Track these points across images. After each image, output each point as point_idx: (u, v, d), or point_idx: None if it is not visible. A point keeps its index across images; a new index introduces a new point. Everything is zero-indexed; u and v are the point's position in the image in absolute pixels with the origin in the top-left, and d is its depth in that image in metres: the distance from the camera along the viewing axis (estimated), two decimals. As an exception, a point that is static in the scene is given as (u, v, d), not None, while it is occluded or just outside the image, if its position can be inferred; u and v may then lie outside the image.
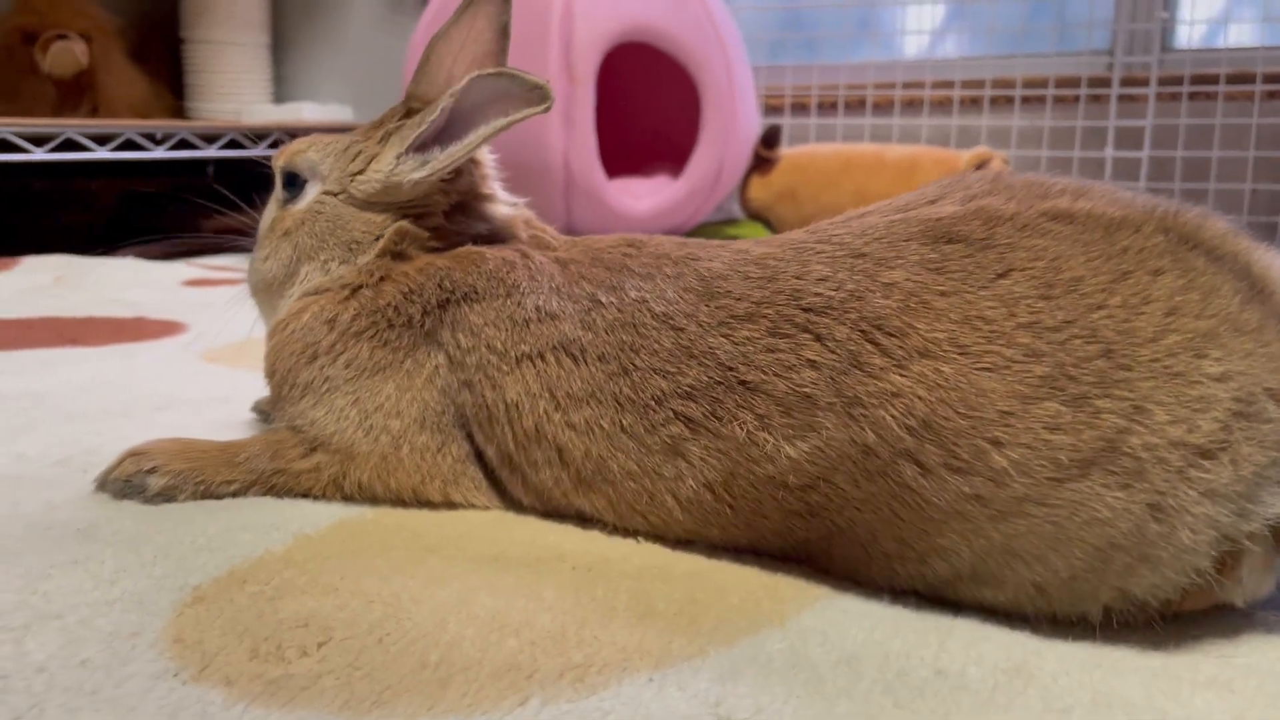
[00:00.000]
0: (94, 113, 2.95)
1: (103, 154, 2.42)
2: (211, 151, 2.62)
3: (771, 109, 3.41)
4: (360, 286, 0.84)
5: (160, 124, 2.60)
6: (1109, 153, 2.91)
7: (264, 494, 0.81)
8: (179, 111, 3.24)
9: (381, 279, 0.84)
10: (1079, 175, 2.92)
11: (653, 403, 0.70)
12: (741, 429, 0.66)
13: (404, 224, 0.86)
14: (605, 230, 2.77)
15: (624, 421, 0.71)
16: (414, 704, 0.52)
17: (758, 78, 3.27)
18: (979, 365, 0.59)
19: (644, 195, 2.85)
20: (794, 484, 0.65)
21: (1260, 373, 0.58)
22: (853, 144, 3.20)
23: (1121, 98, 2.90)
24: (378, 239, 0.86)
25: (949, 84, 3.18)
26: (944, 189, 0.72)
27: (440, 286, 0.82)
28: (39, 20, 2.87)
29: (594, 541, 0.73)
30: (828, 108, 3.32)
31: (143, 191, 3.06)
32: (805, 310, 0.66)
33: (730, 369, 0.67)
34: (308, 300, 0.86)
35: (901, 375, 0.61)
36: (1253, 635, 0.61)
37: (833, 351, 0.64)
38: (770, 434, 0.65)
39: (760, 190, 3.15)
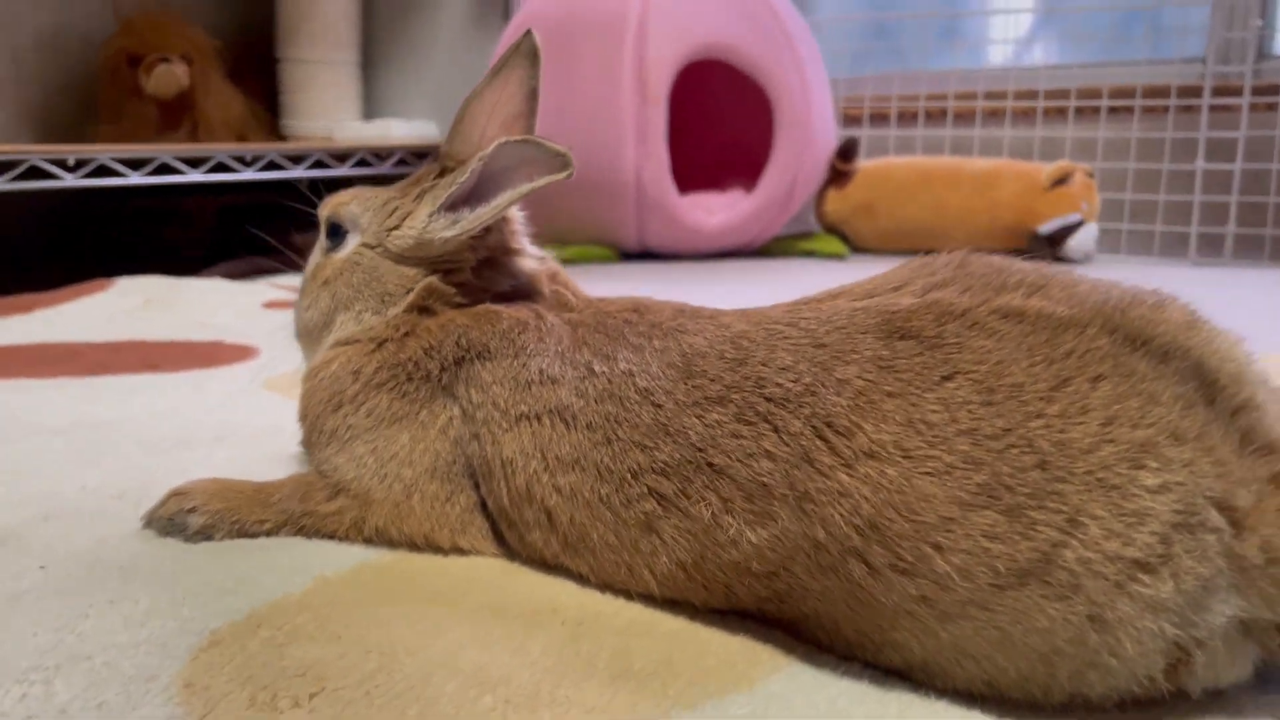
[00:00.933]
0: (194, 131, 3.10)
1: (195, 176, 2.54)
2: (298, 172, 2.72)
3: (850, 120, 3.39)
4: (386, 340, 0.89)
5: (249, 147, 2.71)
6: (1199, 165, 2.83)
7: (294, 534, 0.87)
8: (274, 128, 3.37)
9: (406, 334, 0.89)
10: (1169, 189, 2.86)
11: (630, 476, 0.72)
12: (708, 510, 0.69)
13: (433, 280, 0.90)
14: (679, 245, 2.82)
15: (603, 491, 0.74)
16: (386, 760, 0.56)
17: (836, 89, 3.27)
18: (922, 470, 0.60)
19: (716, 210, 2.87)
20: (758, 570, 0.67)
21: (1202, 482, 0.57)
22: (931, 157, 3.17)
23: (1213, 108, 2.82)
24: (408, 292, 0.91)
25: (1033, 94, 3.12)
26: (912, 273, 0.74)
27: (458, 344, 0.86)
28: (142, 44, 3.02)
29: (588, 595, 0.76)
30: (907, 118, 3.30)
31: (241, 206, 3.21)
32: (767, 400, 0.68)
33: (700, 450, 0.70)
34: (338, 350, 0.91)
35: (849, 475, 0.62)
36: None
37: (787, 445, 0.66)
38: (734, 518, 0.67)
39: (837, 203, 3.14)
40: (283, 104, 3.35)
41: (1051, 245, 2.78)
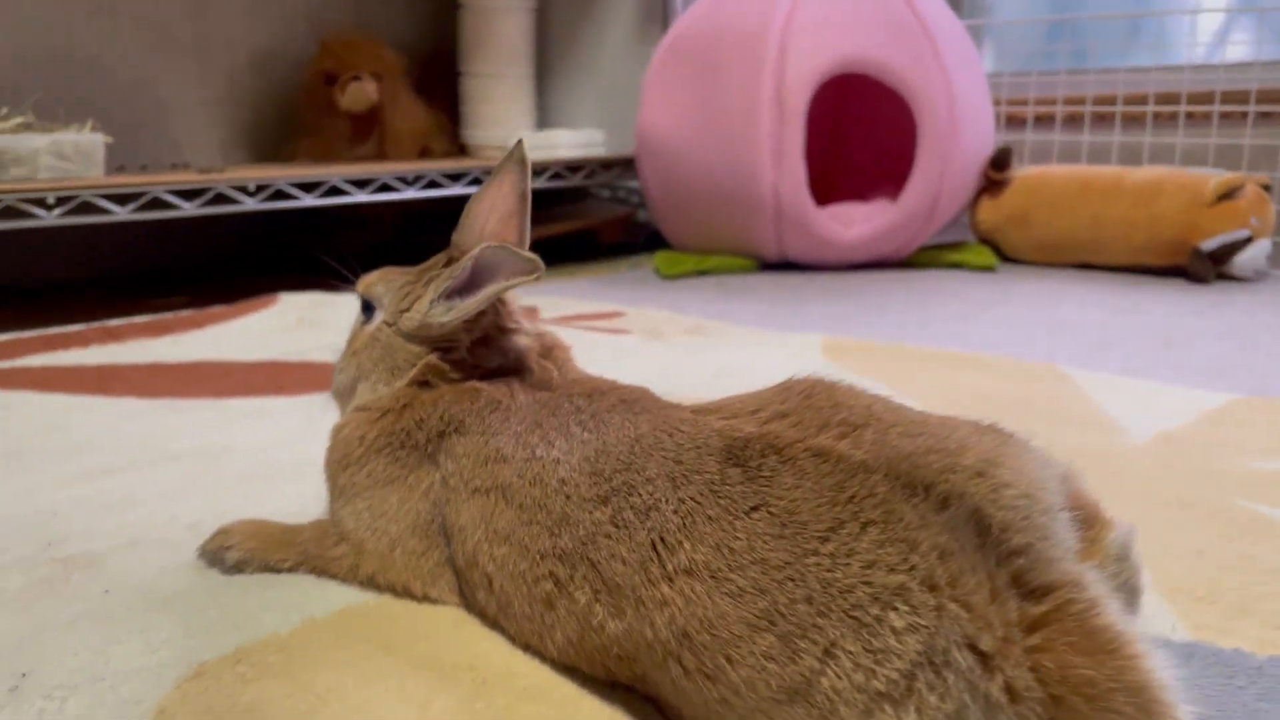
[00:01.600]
0: (381, 142, 3.39)
1: (361, 197, 2.79)
2: (457, 189, 2.93)
3: (1013, 122, 3.30)
4: (389, 410, 1.03)
5: (411, 166, 2.93)
6: (1397, 175, 2.60)
7: (309, 573, 1.03)
8: (455, 138, 3.62)
9: (405, 406, 1.02)
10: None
11: (539, 556, 0.83)
12: (584, 597, 0.79)
13: (432, 359, 1.04)
14: (816, 257, 2.86)
15: (521, 567, 0.85)
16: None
17: (999, 89, 3.19)
18: (722, 590, 0.69)
19: (855, 223, 2.89)
20: (619, 654, 0.77)
21: (949, 625, 0.62)
22: (1092, 166, 3.06)
23: None
24: (412, 368, 1.05)
25: (1208, 96, 2.95)
26: (772, 397, 0.81)
27: (441, 418, 0.99)
28: (338, 63, 3.32)
29: (512, 655, 0.87)
30: (1073, 122, 3.18)
31: (418, 210, 3.48)
32: (631, 508, 0.77)
33: (584, 544, 0.80)
34: (354, 415, 1.06)
35: (669, 587, 0.72)
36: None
37: (635, 552, 0.75)
38: (600, 608, 0.78)
39: (990, 213, 3.09)
40: (464, 114, 3.59)
41: (1215, 262, 2.63)
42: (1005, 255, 3.02)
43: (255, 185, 2.54)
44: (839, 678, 0.65)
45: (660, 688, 0.75)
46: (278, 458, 1.39)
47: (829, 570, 0.66)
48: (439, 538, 0.98)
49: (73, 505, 1.22)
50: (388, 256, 3.10)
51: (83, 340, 2.04)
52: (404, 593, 0.98)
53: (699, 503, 0.74)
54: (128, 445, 1.44)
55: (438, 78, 3.63)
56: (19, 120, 2.52)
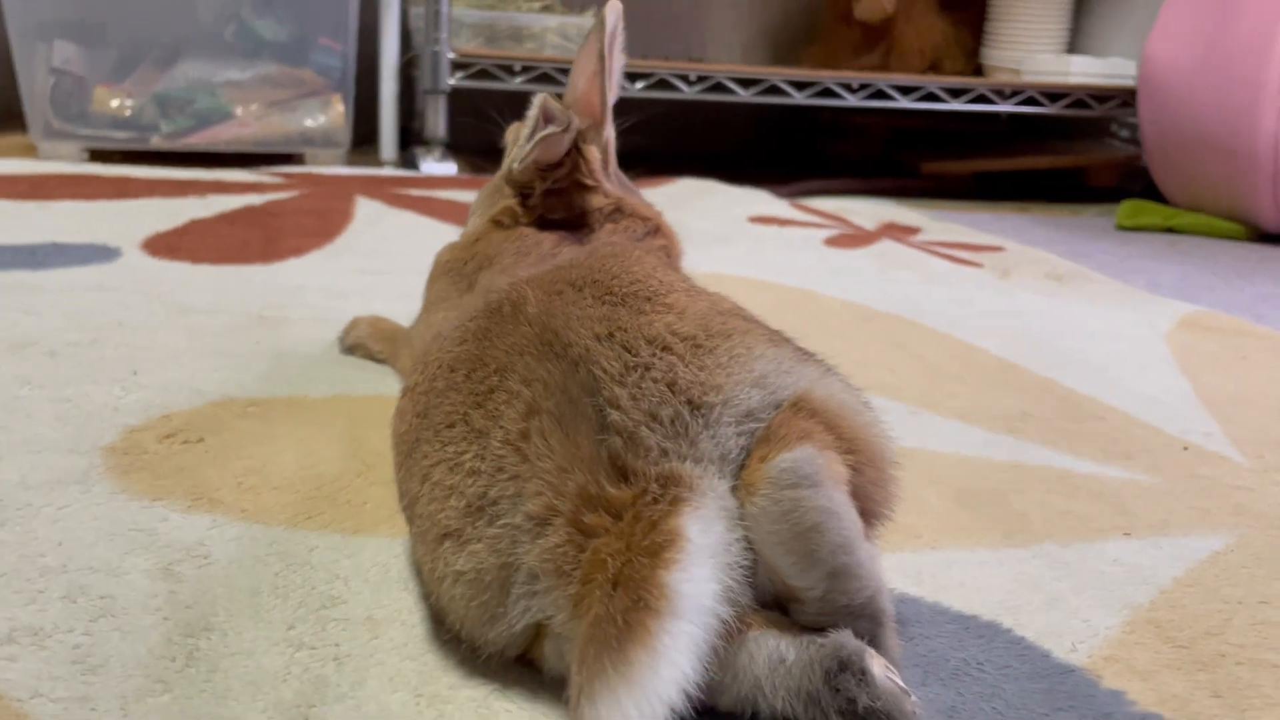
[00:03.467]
0: (886, 55, 3.37)
1: (851, 101, 2.83)
2: (955, 105, 2.85)
3: None
4: (465, 243, 1.16)
5: (908, 77, 2.90)
6: None
7: (391, 365, 1.21)
8: (973, 58, 3.46)
9: (476, 239, 1.14)
10: None
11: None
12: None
13: (511, 203, 1.14)
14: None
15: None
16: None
17: None
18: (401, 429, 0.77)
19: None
20: None
21: (505, 482, 0.64)
22: None
23: None
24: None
25: None
26: (583, 257, 0.80)
27: (486, 253, 1.10)
28: (860, -31, 3.34)
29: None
30: None
31: (908, 130, 3.41)
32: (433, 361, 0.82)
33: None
34: (449, 241, 1.20)
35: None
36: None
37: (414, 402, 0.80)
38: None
39: None
40: (985, 33, 3.42)
41: None
42: None
43: (748, 78, 2.71)
44: (428, 503, 0.68)
45: None
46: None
47: (449, 407, 0.69)
48: None
49: (322, 286, 1.52)
50: (873, 169, 3.13)
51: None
52: (411, 382, 1.12)
53: (443, 348, 0.77)
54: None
55: (974, -9, 3.48)
56: (542, 4, 2.95)
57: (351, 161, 2.66)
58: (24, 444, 0.93)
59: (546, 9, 2.95)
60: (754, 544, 0.63)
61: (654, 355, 0.65)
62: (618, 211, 1.13)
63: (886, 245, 2.11)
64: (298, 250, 1.67)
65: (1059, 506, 0.98)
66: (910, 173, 3.14)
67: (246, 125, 2.58)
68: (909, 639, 0.75)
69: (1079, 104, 2.93)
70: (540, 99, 1.05)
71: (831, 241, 2.10)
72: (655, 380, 0.63)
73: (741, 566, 0.63)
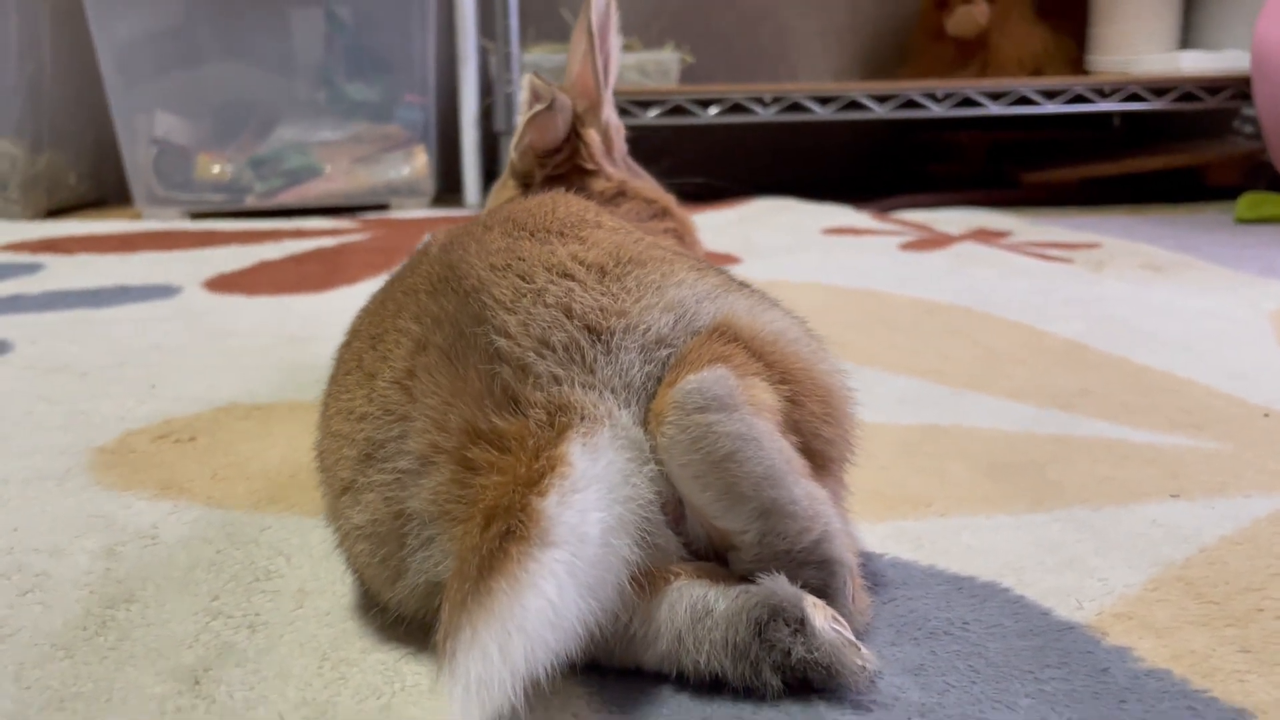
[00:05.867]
0: (983, 69, 3.26)
1: (936, 111, 2.72)
2: (1050, 108, 2.71)
3: None
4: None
5: (1050, 81, 2.78)
6: None
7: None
8: (1078, 65, 3.31)
9: (481, 229, 1.12)
10: None
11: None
12: None
13: (513, 193, 1.11)
14: None
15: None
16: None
17: None
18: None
19: None
20: None
21: (388, 423, 0.59)
22: None
23: None
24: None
25: None
26: (529, 199, 0.75)
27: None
28: (951, -13, 3.25)
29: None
30: None
31: (1009, 143, 3.27)
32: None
33: None
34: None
35: None
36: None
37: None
38: None
39: None
40: (1089, 37, 3.27)
41: None
42: None
43: (828, 95, 2.64)
44: (328, 456, 0.65)
45: None
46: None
47: (348, 355, 0.66)
48: None
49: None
50: (971, 184, 3.01)
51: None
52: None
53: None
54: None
55: (1067, -2, 3.34)
56: (623, 42, 2.96)
57: (437, 208, 2.70)
58: (21, 449, 0.94)
59: (627, 48, 2.97)
60: (672, 481, 0.57)
61: (549, 281, 0.60)
62: (620, 195, 1.09)
63: (967, 247, 2.00)
64: (351, 280, 1.69)
65: (1101, 474, 0.87)
66: (1011, 185, 3.00)
67: (334, 180, 2.65)
68: (888, 600, 0.66)
69: (1189, 97, 2.75)
70: (528, 78, 1.02)
71: (908, 246, 2.01)
72: (548, 305, 0.59)
73: (657, 505, 0.57)
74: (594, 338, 0.58)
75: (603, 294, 0.60)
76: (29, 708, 0.55)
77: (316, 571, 0.71)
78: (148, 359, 1.24)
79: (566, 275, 0.60)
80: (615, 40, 1.10)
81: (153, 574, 0.70)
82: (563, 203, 0.72)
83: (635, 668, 0.58)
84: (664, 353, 0.59)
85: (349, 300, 1.52)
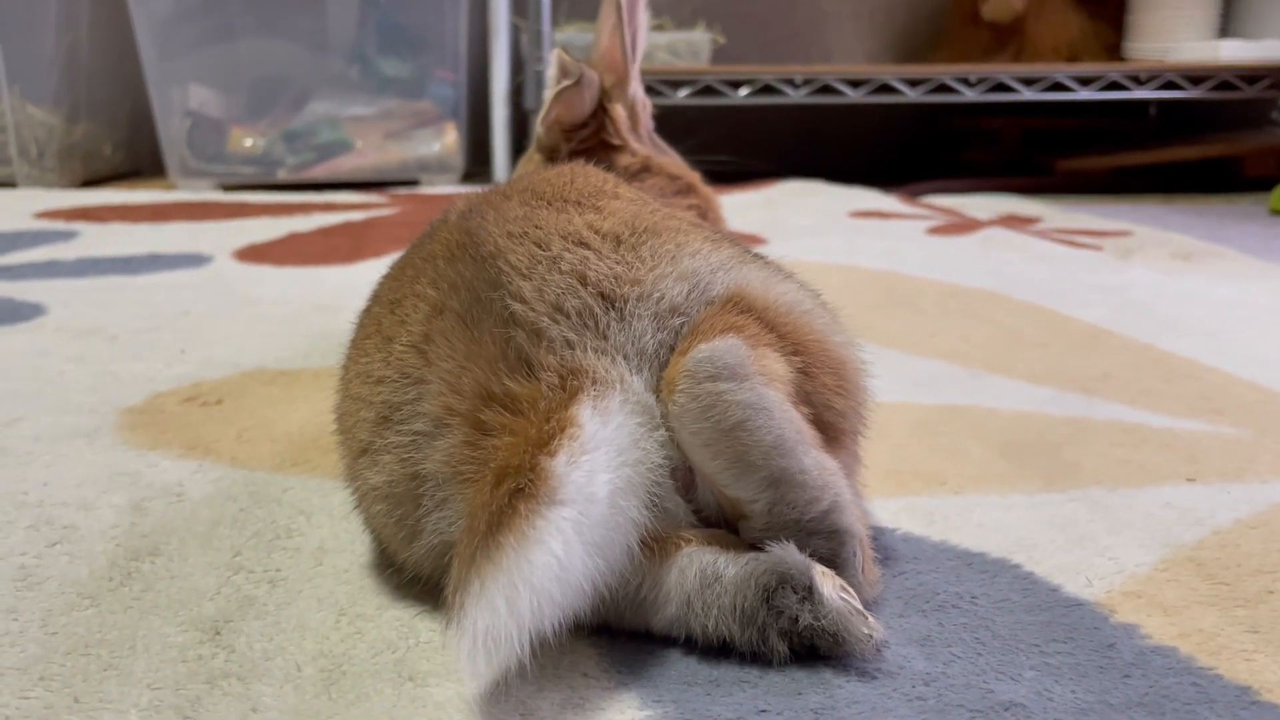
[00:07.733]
0: (1018, 54, 3.23)
1: (969, 96, 2.70)
2: (1084, 94, 2.68)
3: None
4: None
5: (1086, 67, 2.74)
6: None
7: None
8: (1115, 53, 3.28)
9: (506, 198, 1.13)
10: None
11: None
12: None
13: (537, 167, 1.12)
14: None
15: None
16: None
17: None
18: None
19: None
20: None
21: (406, 387, 0.60)
22: None
23: None
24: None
25: None
26: (550, 170, 0.75)
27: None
28: (988, -29, 3.22)
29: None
30: None
31: (1043, 130, 3.24)
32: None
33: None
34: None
35: None
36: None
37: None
38: None
39: None
40: (1127, 25, 3.23)
41: None
42: None
43: (859, 78, 2.62)
44: (347, 419, 0.66)
45: None
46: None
47: (368, 320, 0.68)
48: None
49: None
50: (1004, 172, 2.99)
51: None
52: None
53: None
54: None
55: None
56: (655, 22, 2.96)
57: (466, 184, 2.72)
58: (51, 407, 0.96)
59: (659, 27, 2.96)
60: (683, 449, 0.58)
61: (565, 249, 0.61)
62: (645, 170, 1.09)
63: (996, 232, 1.99)
64: (378, 253, 1.70)
65: (1117, 456, 0.87)
66: (1044, 173, 2.97)
67: (365, 155, 2.67)
68: (898, 573, 0.67)
69: (1226, 86, 2.71)
70: (555, 53, 1.03)
71: (935, 230, 2.00)
72: (563, 272, 0.59)
73: (666, 470, 0.58)
74: (608, 305, 0.59)
75: (617, 262, 0.61)
76: (55, 652, 0.57)
77: (336, 531, 0.72)
78: (177, 324, 1.26)
79: (582, 244, 0.61)
80: (643, 16, 1.11)
81: (177, 529, 0.72)
82: (581, 174, 0.73)
83: (645, 630, 0.59)
84: (677, 321, 0.60)
85: (375, 272, 1.53)
